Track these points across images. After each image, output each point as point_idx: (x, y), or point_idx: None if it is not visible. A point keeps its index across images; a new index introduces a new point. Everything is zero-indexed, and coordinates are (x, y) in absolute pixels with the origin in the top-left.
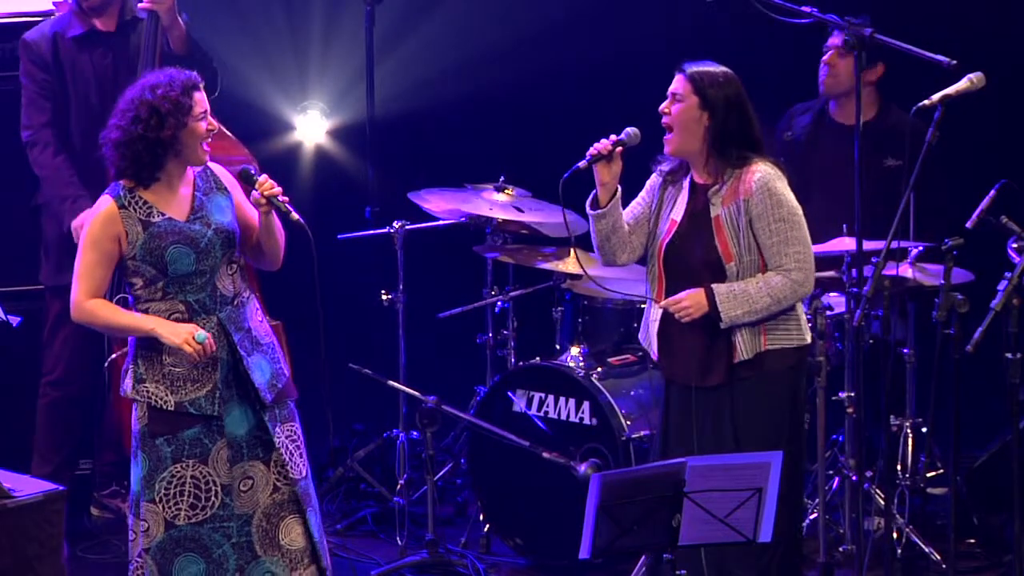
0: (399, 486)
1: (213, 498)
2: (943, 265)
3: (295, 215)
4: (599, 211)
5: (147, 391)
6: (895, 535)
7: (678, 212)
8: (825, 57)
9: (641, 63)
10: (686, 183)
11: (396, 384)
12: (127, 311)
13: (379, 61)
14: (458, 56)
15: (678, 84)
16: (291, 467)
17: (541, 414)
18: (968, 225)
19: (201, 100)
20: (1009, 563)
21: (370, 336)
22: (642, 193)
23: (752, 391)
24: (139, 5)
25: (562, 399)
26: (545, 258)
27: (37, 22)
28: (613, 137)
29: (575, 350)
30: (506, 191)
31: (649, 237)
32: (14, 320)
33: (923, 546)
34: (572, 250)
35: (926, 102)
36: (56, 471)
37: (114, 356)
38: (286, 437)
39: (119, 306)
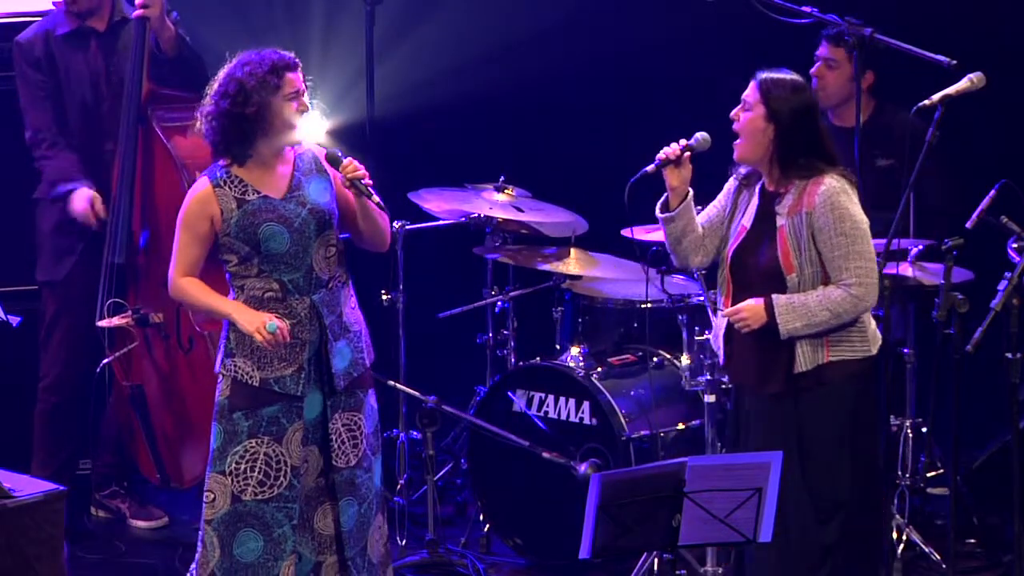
0: (399, 486)
1: (282, 478)
2: (943, 264)
3: (376, 198)
4: (668, 215)
5: (235, 365)
6: (895, 535)
7: (748, 218)
8: (812, 70)
9: (641, 63)
10: (758, 188)
11: (396, 384)
12: (213, 292)
13: (379, 61)
14: (458, 56)
15: (749, 91)
16: (337, 455)
17: (541, 414)
18: (968, 225)
19: (293, 80)
20: (1009, 563)
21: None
22: (720, 196)
23: (814, 402)
24: (134, 14)
25: (562, 399)
26: (545, 259)
27: (37, 22)
28: (683, 142)
29: (575, 350)
30: (506, 191)
31: (722, 242)
32: (14, 320)
33: (923, 546)
34: (572, 250)
35: (926, 102)
36: (55, 474)
37: (108, 359)
38: (342, 425)
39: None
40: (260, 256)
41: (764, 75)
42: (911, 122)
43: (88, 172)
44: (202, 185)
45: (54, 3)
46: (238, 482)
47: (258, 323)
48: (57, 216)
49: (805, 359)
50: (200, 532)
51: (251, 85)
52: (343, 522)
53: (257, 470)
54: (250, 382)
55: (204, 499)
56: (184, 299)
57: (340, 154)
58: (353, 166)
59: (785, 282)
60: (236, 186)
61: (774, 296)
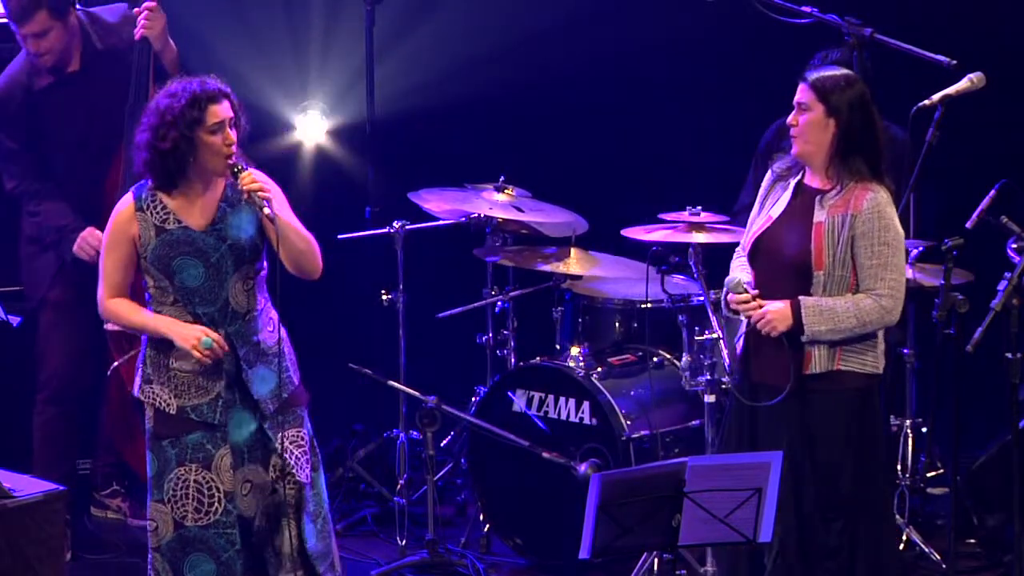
0: (399, 486)
1: (216, 504)
2: (943, 264)
3: (267, 210)
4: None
5: (153, 393)
6: (895, 539)
7: (777, 210)
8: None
9: (641, 63)
10: (793, 182)
11: (396, 384)
12: (144, 311)
13: (379, 61)
14: (458, 56)
15: (802, 94)
16: (297, 470)
17: (541, 414)
18: (968, 225)
19: (217, 112)
20: (1009, 563)
21: (370, 336)
22: (757, 199)
23: (822, 405)
24: (137, 34)
25: (562, 399)
26: (545, 259)
27: (8, 68)
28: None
29: (575, 350)
30: (506, 191)
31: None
32: (14, 320)
33: (923, 546)
34: (572, 250)
35: (926, 102)
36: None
37: (116, 363)
38: (290, 442)
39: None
40: (174, 287)
41: (813, 75)
42: (904, 142)
43: (75, 210)
44: (125, 204)
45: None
46: (178, 509)
47: (194, 340)
48: (30, 235)
49: (819, 361)
50: (149, 559)
51: (170, 119)
52: (307, 537)
53: (191, 497)
54: (168, 410)
55: (147, 527)
56: (117, 321)
57: (243, 165)
58: (249, 179)
59: (811, 278)
60: (158, 212)
61: (801, 298)
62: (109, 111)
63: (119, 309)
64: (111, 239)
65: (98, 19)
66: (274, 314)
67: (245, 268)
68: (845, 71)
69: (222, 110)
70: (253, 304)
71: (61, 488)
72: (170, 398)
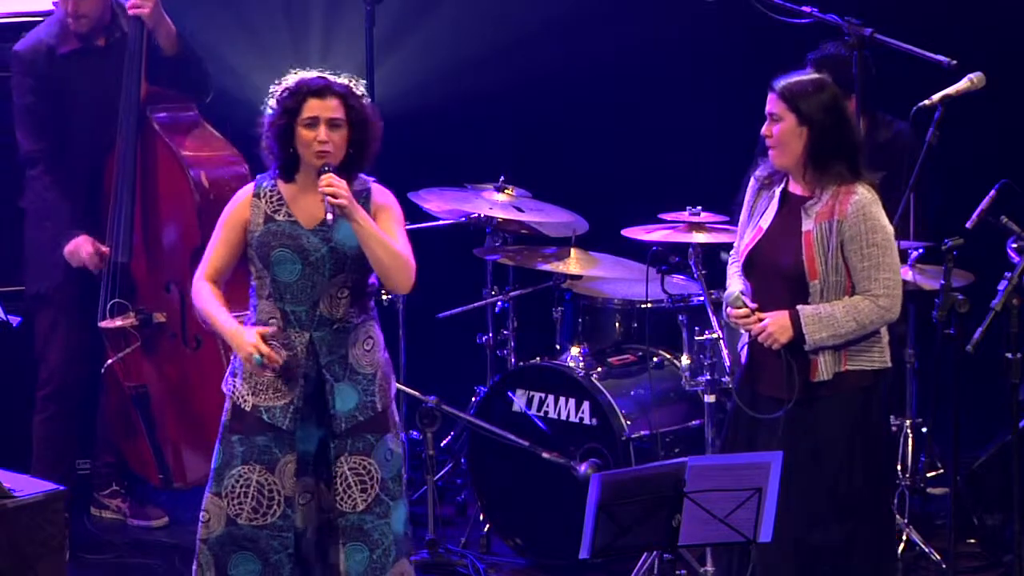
0: None
1: (275, 507)
2: (943, 265)
3: (329, 216)
4: None
5: (234, 385)
6: (895, 535)
7: (766, 220)
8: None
9: (641, 63)
10: (778, 191)
11: (396, 384)
12: (221, 307)
13: (379, 61)
14: (458, 56)
15: (772, 104)
16: (342, 499)
17: (541, 414)
18: (968, 225)
19: (314, 106)
20: (1009, 563)
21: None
22: (744, 206)
23: (829, 408)
24: (129, 11)
25: (562, 399)
26: (545, 259)
27: (38, 22)
28: (732, 312)
29: (575, 350)
30: (506, 191)
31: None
32: (14, 320)
33: (923, 546)
34: (572, 250)
35: (926, 102)
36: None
37: (111, 361)
38: (349, 469)
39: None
40: (270, 279)
41: (781, 83)
42: (907, 133)
43: (85, 198)
44: (246, 191)
45: (54, 3)
46: (233, 505)
47: (244, 354)
48: (41, 228)
49: (825, 368)
50: (195, 549)
51: (274, 103)
52: (349, 567)
53: (250, 497)
54: (244, 406)
55: (200, 518)
56: (195, 303)
57: (327, 167)
58: (326, 181)
59: (807, 287)
60: (273, 202)
61: (799, 307)
62: (120, 94)
63: (202, 294)
64: (224, 220)
65: (121, 5)
66: (376, 334)
67: (344, 276)
68: (813, 75)
69: (322, 106)
70: (345, 315)
71: (61, 488)
72: (248, 395)
